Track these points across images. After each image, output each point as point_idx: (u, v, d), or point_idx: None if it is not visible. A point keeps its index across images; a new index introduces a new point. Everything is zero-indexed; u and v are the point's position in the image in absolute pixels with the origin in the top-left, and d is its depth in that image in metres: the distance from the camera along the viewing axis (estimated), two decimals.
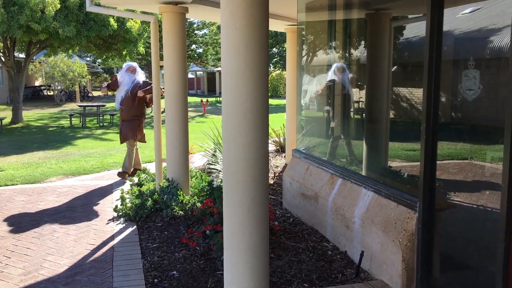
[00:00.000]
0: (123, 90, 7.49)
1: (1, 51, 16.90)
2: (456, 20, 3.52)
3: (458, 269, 3.56)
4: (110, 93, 8.22)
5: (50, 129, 16.12)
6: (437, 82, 3.28)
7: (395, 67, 4.60)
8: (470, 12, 3.43)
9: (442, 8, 3.25)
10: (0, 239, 4.90)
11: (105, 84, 7.91)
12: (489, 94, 3.09)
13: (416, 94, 4.08)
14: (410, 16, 4.49)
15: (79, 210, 5.95)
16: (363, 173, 4.64)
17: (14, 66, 17.14)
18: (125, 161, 7.76)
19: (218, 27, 31.62)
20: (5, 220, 5.54)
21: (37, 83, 34.11)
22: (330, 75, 5.43)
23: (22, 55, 19.31)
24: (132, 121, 7.53)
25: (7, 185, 7.33)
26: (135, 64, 7.73)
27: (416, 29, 4.19)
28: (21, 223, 5.43)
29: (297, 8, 6.10)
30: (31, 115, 20.76)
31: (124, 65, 7.77)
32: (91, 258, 4.39)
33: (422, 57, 3.39)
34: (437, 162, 3.40)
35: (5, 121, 16.78)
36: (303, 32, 6.29)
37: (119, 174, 7.69)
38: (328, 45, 5.79)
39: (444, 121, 3.51)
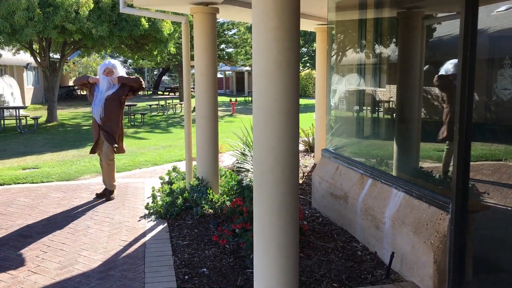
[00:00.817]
0: (99, 97, 6.39)
1: (37, 52, 17.42)
2: (491, 18, 3.45)
3: (492, 272, 3.48)
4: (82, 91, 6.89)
5: (84, 128, 16.52)
6: (471, 81, 3.22)
7: (427, 66, 4.54)
8: (505, 10, 3.36)
9: (476, 6, 3.19)
10: (37, 234, 5.07)
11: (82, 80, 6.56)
12: None
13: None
14: (443, 15, 4.41)
15: (112, 207, 6.09)
16: (394, 173, 4.60)
17: (49, 67, 17.64)
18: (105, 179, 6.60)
19: (246, 28, 31.71)
20: (41, 216, 5.73)
21: (70, 83, 34.98)
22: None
23: (57, 56, 19.85)
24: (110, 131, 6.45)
25: (43, 182, 7.56)
26: (112, 65, 6.52)
27: (449, 28, 4.12)
28: (56, 219, 5.60)
29: (327, 7, 6.08)
30: (65, 114, 21.33)
31: (100, 67, 6.58)
32: (124, 254, 4.49)
33: (455, 56, 3.34)
34: (471, 163, 3.34)
35: (40, 120, 17.28)
36: (333, 32, 6.27)
37: (101, 195, 6.56)
38: (358, 44, 5.75)
39: (478, 121, 3.44)
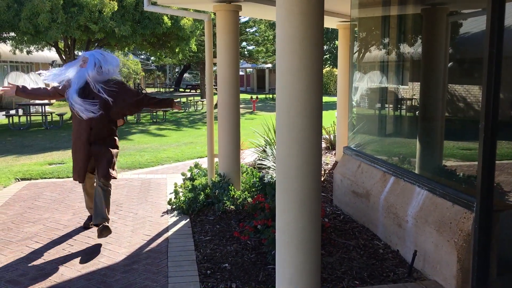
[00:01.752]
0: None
1: (62, 49, 17.74)
2: None
3: None
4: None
5: None
6: (497, 78, 3.18)
7: (451, 63, 4.49)
8: None
9: (503, 2, 3.15)
10: (63, 227, 5.19)
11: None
12: None
13: (473, 92, 3.97)
14: (468, 11, 4.36)
15: (135, 202, 6.19)
16: (417, 171, 4.56)
17: None
18: (98, 207, 4.65)
19: (267, 25, 31.69)
20: (67, 210, 5.86)
21: None
22: None
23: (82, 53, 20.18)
24: (105, 145, 4.79)
25: (68, 177, 7.72)
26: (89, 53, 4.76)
27: (474, 24, 4.07)
28: (82, 213, 5.72)
29: (351, 4, 6.05)
30: None
31: (80, 56, 4.83)
32: (147, 249, 4.57)
33: (481, 53, 3.30)
34: (496, 161, 3.30)
35: (65, 116, 17.60)
36: (356, 29, 6.24)
37: (99, 231, 4.55)
38: (381, 41, 5.71)
39: (504, 119, 3.40)
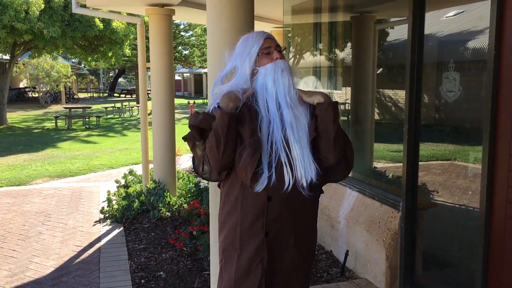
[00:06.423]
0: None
1: None
2: (440, 22, 3.60)
3: (440, 266, 3.63)
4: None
5: (35, 131, 15.97)
6: (418, 83, 3.34)
7: (380, 69, 4.68)
8: (454, 15, 3.52)
9: (423, 12, 3.32)
10: None
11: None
12: (469, 96, 3.17)
13: (400, 96, 4.16)
14: (394, 19, 4.57)
15: (65, 212, 5.92)
16: None
17: None
18: None
19: (203, 29, 31.62)
20: None
21: (21, 85, 33.70)
22: None
23: (7, 57, 19.10)
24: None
25: None
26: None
27: (400, 32, 4.27)
28: (6, 225, 5.40)
29: (283, 10, 6.15)
30: (15, 117, 20.54)
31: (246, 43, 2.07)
32: (78, 260, 4.39)
33: (404, 59, 3.46)
34: (420, 163, 3.47)
35: None
36: (289, 35, 6.35)
37: None
38: (313, 47, 5.85)
39: (426, 122, 3.58)
